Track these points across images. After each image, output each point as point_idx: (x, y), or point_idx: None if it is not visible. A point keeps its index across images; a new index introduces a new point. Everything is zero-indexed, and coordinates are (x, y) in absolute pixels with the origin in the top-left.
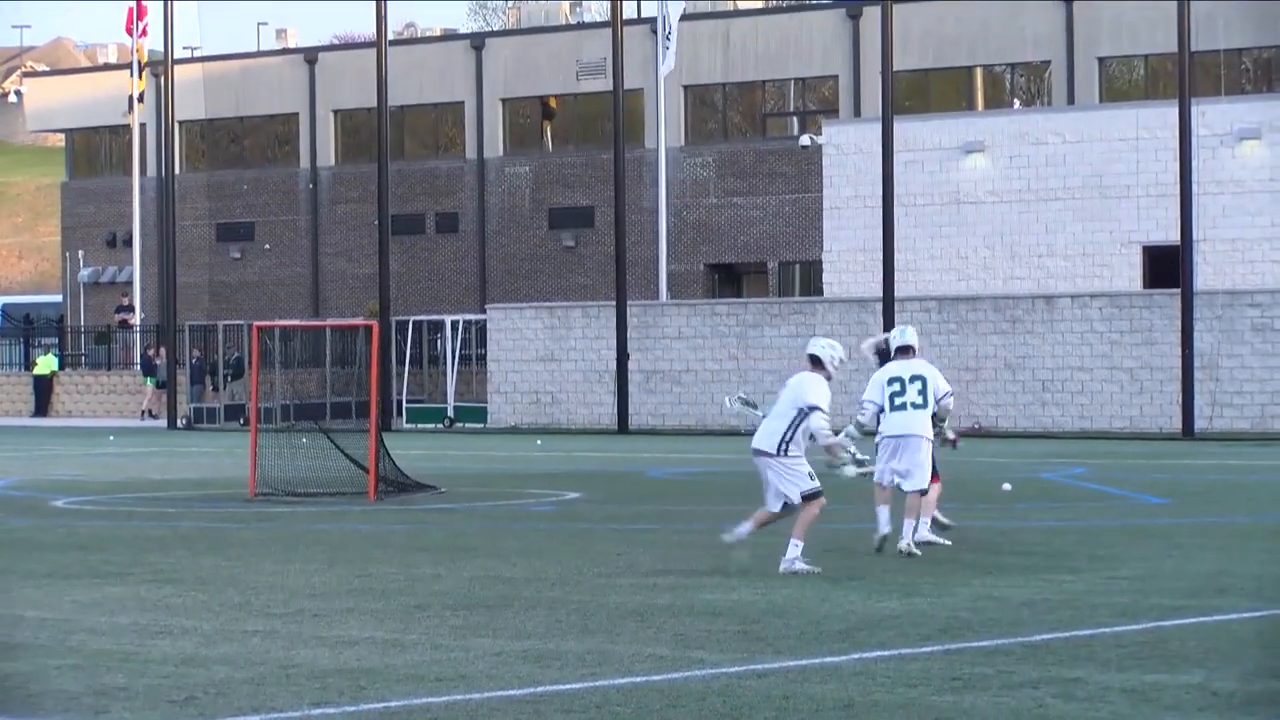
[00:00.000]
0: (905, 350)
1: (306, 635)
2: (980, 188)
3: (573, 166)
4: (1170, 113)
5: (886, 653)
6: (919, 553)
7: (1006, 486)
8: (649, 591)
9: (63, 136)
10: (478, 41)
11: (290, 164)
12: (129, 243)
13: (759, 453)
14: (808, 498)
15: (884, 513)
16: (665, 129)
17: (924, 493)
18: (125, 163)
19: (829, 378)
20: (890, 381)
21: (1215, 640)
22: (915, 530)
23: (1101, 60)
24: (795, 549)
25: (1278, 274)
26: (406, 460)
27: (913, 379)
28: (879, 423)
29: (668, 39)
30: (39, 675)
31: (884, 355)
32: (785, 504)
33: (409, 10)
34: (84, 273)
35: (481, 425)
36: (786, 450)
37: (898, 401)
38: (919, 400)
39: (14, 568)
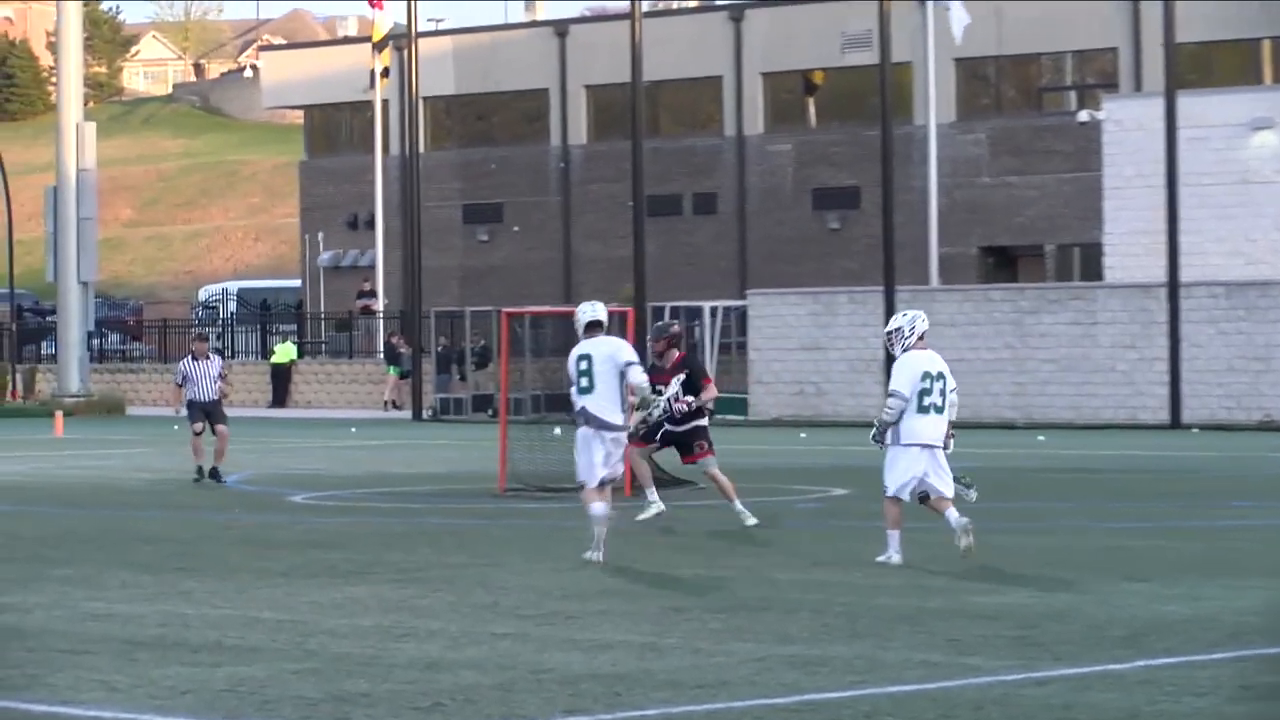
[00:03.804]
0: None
1: (558, 638)
2: (1269, 166)
3: (837, 144)
4: None
5: (1173, 660)
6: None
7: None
8: (919, 594)
9: (300, 113)
10: (736, 13)
11: (540, 142)
12: (371, 224)
13: None
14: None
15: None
16: (936, 104)
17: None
18: (366, 141)
19: None
20: (923, 378)
21: None
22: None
23: None
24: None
25: None
26: (661, 454)
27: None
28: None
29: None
30: (276, 680)
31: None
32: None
33: None
34: (323, 256)
35: (742, 417)
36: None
37: (925, 401)
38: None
39: (249, 566)
